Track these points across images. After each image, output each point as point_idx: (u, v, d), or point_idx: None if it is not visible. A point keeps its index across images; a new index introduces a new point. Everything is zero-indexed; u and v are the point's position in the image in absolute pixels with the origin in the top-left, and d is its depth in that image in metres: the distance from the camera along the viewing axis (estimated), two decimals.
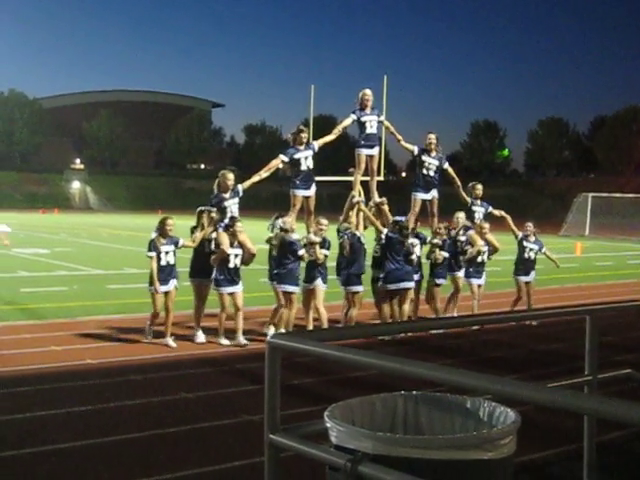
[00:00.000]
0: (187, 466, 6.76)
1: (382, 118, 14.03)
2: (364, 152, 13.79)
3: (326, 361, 3.07)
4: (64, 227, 48.62)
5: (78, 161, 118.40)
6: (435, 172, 14.26)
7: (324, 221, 13.09)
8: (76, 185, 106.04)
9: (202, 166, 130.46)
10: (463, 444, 2.70)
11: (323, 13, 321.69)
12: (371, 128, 13.78)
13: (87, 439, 7.46)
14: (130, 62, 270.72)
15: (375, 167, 13.98)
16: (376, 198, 14.06)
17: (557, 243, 42.21)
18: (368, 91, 13.93)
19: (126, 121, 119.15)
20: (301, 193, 13.30)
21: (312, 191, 13.40)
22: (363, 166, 13.82)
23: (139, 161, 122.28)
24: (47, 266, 22.90)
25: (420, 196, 14.25)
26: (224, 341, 12.19)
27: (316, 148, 13.36)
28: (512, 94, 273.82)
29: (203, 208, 12.69)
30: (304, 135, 13.36)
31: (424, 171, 14.22)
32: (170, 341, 11.95)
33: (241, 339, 12.18)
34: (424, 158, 14.19)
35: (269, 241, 12.79)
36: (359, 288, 13.35)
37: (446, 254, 14.17)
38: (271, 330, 12.33)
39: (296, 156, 13.17)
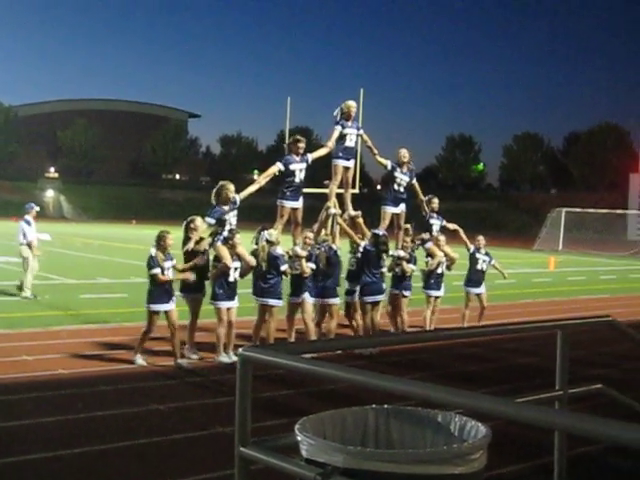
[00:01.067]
0: (158, 478, 6.74)
1: (361, 132, 14.01)
2: (341, 163, 13.74)
3: (299, 373, 3.07)
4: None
5: (52, 170, 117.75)
6: (405, 188, 14.37)
7: (311, 235, 13.06)
8: (50, 194, 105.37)
9: (177, 176, 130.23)
10: (434, 458, 2.71)
11: (300, 25, 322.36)
12: (350, 142, 13.76)
13: (58, 450, 7.40)
14: (106, 71, 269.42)
15: (350, 179, 13.97)
16: (350, 211, 14.05)
17: (530, 257, 42.45)
18: (353, 103, 13.88)
19: (101, 130, 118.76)
20: (290, 204, 13.23)
21: (300, 203, 13.35)
22: (339, 177, 13.78)
23: (114, 171, 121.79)
24: (19, 275, 22.72)
25: (390, 210, 14.31)
26: (224, 358, 11.86)
27: (310, 161, 13.33)
28: (487, 108, 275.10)
29: (194, 217, 12.44)
30: (301, 145, 13.26)
31: (395, 187, 14.30)
32: (184, 362, 11.61)
33: (232, 355, 11.85)
34: (396, 174, 14.26)
35: (254, 253, 12.64)
36: (335, 300, 13.35)
37: (414, 267, 14.29)
38: None
39: (292, 167, 13.09)
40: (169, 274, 11.66)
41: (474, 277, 15.82)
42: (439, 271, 15.01)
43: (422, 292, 15.23)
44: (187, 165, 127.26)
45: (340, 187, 13.97)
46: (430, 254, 15.00)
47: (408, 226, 14.83)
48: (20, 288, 18.59)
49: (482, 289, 15.88)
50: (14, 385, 9.93)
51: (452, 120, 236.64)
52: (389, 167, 14.32)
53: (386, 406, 3.26)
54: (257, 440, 3.11)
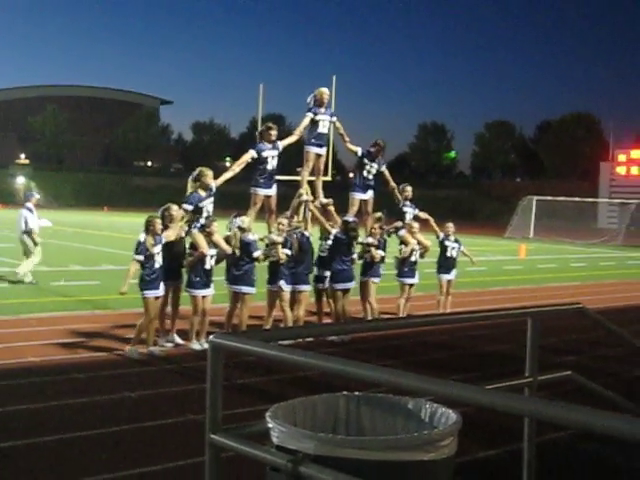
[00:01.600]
0: (129, 466, 6.72)
1: (334, 119, 14.04)
2: (313, 150, 13.78)
3: (271, 360, 3.08)
4: (7, 223, 47.88)
5: (23, 156, 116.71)
6: (374, 175, 14.45)
7: (285, 221, 13.03)
8: (21, 180, 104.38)
9: (149, 163, 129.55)
10: (404, 445, 2.72)
11: (272, 12, 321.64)
12: (323, 128, 13.81)
13: (27, 438, 7.37)
14: (78, 57, 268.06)
15: (322, 167, 14.00)
16: (322, 198, 14.06)
17: (502, 245, 42.65)
18: (326, 90, 13.94)
19: (73, 117, 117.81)
20: (263, 192, 13.23)
21: (273, 190, 13.36)
22: (311, 164, 13.82)
23: (85, 157, 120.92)
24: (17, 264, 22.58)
25: (358, 196, 14.39)
26: (196, 345, 11.88)
27: (280, 148, 13.32)
28: (460, 96, 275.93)
29: (170, 205, 12.25)
30: (273, 133, 13.26)
31: (364, 173, 14.38)
32: (156, 350, 11.63)
33: (204, 343, 11.73)
34: (366, 161, 14.34)
35: (227, 240, 12.62)
36: (306, 287, 13.36)
37: (383, 253, 14.30)
38: None
39: (264, 154, 13.08)
40: (159, 259, 11.54)
41: (444, 264, 16.02)
42: (412, 259, 15.08)
43: (396, 280, 15.28)
44: (159, 152, 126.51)
45: (312, 174, 13.99)
46: (403, 242, 15.09)
47: (380, 214, 14.86)
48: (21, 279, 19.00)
49: (452, 275, 16.09)
50: None
51: (425, 108, 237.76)
52: (359, 154, 14.40)
53: (357, 393, 3.27)
54: (228, 427, 3.11)
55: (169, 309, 12.41)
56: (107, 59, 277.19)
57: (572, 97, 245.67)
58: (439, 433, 2.85)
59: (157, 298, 11.59)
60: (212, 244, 11.95)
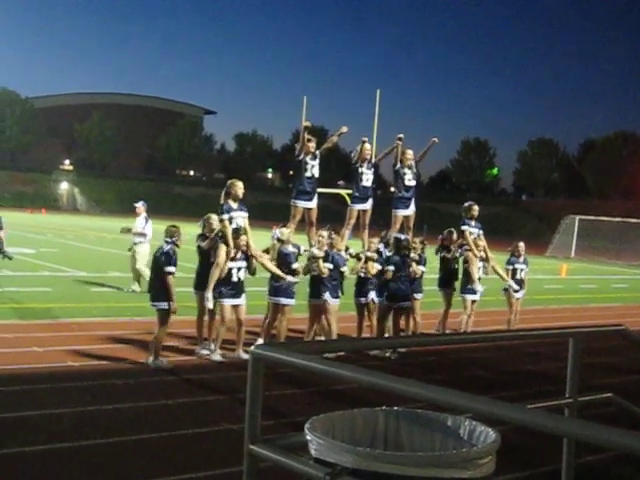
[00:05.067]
0: (165, 473, 6.74)
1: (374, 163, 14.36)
2: (357, 207, 13.96)
3: (310, 373, 3.08)
4: (51, 228, 48.46)
5: (67, 162, 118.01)
6: (415, 186, 14.38)
7: (325, 233, 12.97)
8: (64, 186, 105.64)
9: (191, 172, 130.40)
10: (442, 462, 2.70)
11: (318, 25, 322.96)
12: (366, 182, 13.92)
13: (63, 442, 7.41)
14: (124, 66, 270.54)
15: (367, 221, 14.05)
16: (367, 252, 13.93)
17: (543, 264, 42.29)
18: (368, 145, 14.23)
19: (117, 124, 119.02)
20: (302, 204, 13.25)
21: (314, 203, 13.37)
22: (353, 221, 13.98)
23: (129, 165, 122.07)
24: (32, 266, 22.81)
25: (401, 213, 14.34)
26: (217, 357, 11.82)
27: (319, 154, 13.41)
28: (503, 114, 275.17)
29: (210, 215, 12.36)
30: (311, 145, 13.34)
31: (406, 182, 14.27)
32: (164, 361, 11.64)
33: (241, 353, 11.85)
34: (405, 171, 14.25)
35: (267, 251, 12.65)
36: (336, 301, 13.32)
37: (423, 268, 14.22)
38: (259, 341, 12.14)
39: (307, 164, 13.22)
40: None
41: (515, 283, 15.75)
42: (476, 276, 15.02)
43: (459, 295, 15.20)
44: (201, 162, 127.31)
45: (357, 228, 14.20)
46: (467, 260, 15.00)
47: (452, 229, 15.12)
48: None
49: (520, 294, 15.94)
50: (22, 376, 9.95)
51: (468, 124, 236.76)
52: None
53: (396, 408, 3.26)
54: (267, 438, 3.12)
55: (206, 318, 12.44)
56: (153, 68, 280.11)
57: (617, 116, 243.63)
58: (478, 451, 2.83)
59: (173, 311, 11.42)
60: (242, 255, 11.90)
